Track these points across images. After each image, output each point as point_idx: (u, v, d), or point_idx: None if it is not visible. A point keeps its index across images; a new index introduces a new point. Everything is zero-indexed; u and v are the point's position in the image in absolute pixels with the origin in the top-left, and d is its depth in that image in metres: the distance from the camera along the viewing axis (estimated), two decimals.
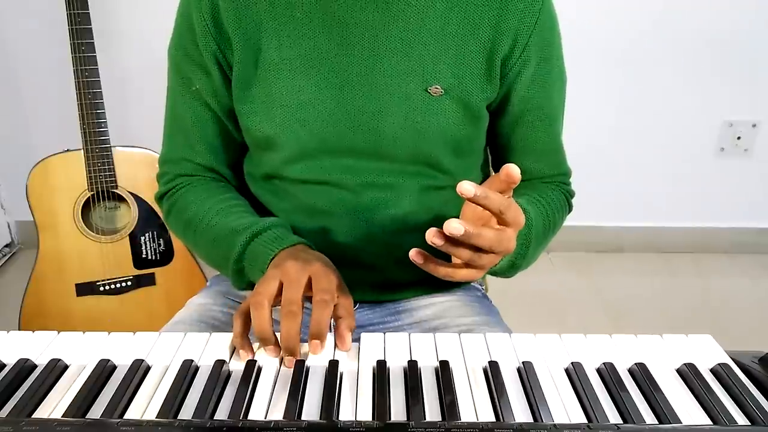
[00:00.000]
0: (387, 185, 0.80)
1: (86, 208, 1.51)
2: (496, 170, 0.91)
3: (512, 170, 0.56)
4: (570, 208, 0.89)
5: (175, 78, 0.83)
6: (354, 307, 0.87)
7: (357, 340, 0.65)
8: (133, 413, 0.55)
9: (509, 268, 0.75)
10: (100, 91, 1.45)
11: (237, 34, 0.76)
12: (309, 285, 0.65)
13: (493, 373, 0.59)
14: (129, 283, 1.55)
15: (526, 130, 0.83)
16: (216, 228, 0.78)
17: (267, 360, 0.62)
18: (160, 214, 1.51)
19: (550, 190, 0.85)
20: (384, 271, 0.84)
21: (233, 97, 0.80)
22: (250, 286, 0.76)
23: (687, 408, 0.56)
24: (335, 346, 0.64)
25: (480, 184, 0.89)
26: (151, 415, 0.54)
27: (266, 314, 0.62)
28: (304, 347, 0.63)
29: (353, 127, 0.77)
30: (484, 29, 0.75)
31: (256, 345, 0.64)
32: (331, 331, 0.65)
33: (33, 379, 0.60)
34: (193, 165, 0.85)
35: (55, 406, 0.56)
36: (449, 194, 0.84)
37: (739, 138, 2.06)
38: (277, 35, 0.76)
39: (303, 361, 0.61)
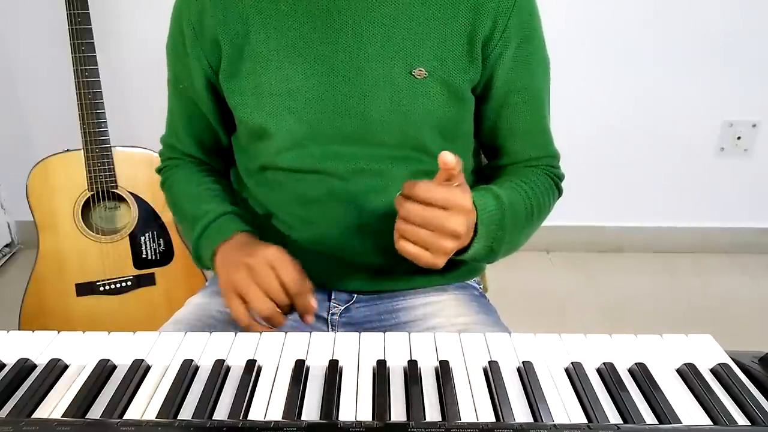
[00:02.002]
0: (376, 172, 0.81)
1: (86, 208, 1.51)
2: (488, 157, 0.92)
3: (444, 157, 0.61)
4: (560, 191, 0.89)
5: (168, 72, 0.89)
6: (351, 299, 0.87)
7: (357, 339, 0.65)
8: (133, 413, 0.55)
9: (487, 254, 0.75)
10: (100, 91, 1.45)
11: (224, 33, 0.80)
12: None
13: (493, 373, 0.59)
14: (129, 283, 1.55)
15: (511, 112, 0.84)
16: (186, 213, 0.87)
17: (267, 360, 0.62)
18: (158, 212, 1.52)
19: (534, 174, 0.85)
20: (379, 259, 0.85)
21: (225, 93, 0.83)
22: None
23: (687, 408, 0.56)
24: (334, 345, 0.64)
25: (472, 170, 0.91)
26: (151, 415, 0.54)
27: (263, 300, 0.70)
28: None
29: (341, 112, 0.79)
30: (463, 11, 0.77)
31: (251, 336, 0.64)
32: (327, 329, 0.66)
33: (33, 379, 0.60)
34: (179, 151, 0.93)
35: (55, 406, 0.56)
36: None
37: (739, 138, 2.05)
38: (264, 28, 0.79)
39: (303, 361, 0.61)
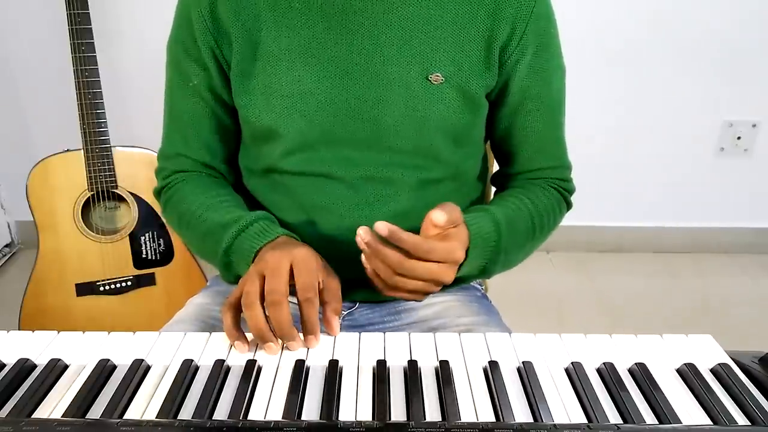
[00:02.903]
0: (386, 179, 0.80)
1: (86, 208, 1.51)
2: (500, 163, 0.91)
3: (435, 217, 0.65)
4: (568, 205, 0.89)
5: (173, 73, 0.84)
6: (354, 306, 0.87)
7: (357, 340, 0.65)
8: (133, 413, 0.55)
9: (480, 273, 0.77)
10: (100, 91, 1.45)
11: (235, 26, 0.77)
12: (292, 273, 0.66)
13: (493, 373, 0.59)
14: (129, 283, 1.55)
15: (525, 119, 0.83)
16: (206, 223, 0.79)
17: (267, 359, 0.62)
18: (158, 212, 1.51)
19: (541, 189, 0.85)
20: None
21: (232, 91, 0.80)
22: (238, 279, 0.77)
23: (687, 408, 0.56)
24: (334, 345, 0.64)
25: (479, 174, 0.90)
26: (151, 415, 0.54)
27: (259, 312, 0.63)
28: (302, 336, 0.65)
29: (353, 116, 0.77)
30: (481, 17, 0.76)
31: (249, 335, 0.65)
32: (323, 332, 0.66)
33: (33, 379, 0.60)
34: (190, 161, 0.86)
35: (55, 406, 0.56)
36: (447, 188, 0.84)
37: (739, 138, 2.05)
38: (276, 26, 0.76)
39: (303, 361, 0.61)
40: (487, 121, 0.85)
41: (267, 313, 0.63)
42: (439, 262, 0.66)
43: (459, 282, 0.79)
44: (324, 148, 0.79)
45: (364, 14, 0.75)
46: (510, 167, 0.88)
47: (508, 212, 0.77)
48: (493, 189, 0.95)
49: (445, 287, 0.88)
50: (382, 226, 0.62)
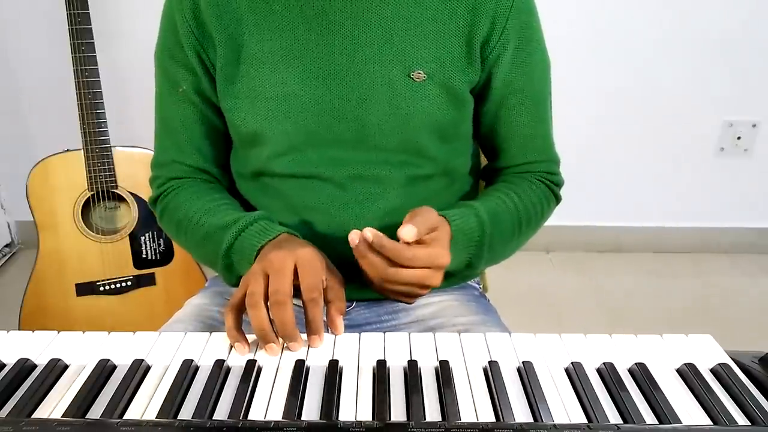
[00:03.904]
0: (374, 178, 0.80)
1: (86, 208, 1.51)
2: (488, 158, 0.91)
3: (402, 235, 0.63)
4: (557, 198, 0.88)
5: (162, 81, 0.84)
6: (351, 305, 0.87)
7: (357, 340, 0.65)
8: (133, 413, 0.55)
9: (465, 267, 0.77)
10: (100, 91, 1.45)
11: (218, 30, 0.77)
12: (296, 273, 0.66)
13: (493, 373, 0.59)
14: (129, 283, 1.55)
15: (509, 113, 0.83)
16: (205, 227, 0.79)
17: (267, 359, 0.62)
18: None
19: (528, 183, 0.84)
20: None
21: (218, 94, 0.80)
22: (240, 280, 0.77)
23: (687, 408, 0.56)
24: (335, 345, 0.64)
25: (469, 171, 0.89)
26: (151, 415, 0.54)
27: (263, 313, 0.63)
28: (303, 337, 0.65)
29: (338, 116, 0.77)
30: (461, 13, 0.76)
31: (251, 337, 0.65)
32: (327, 330, 0.66)
33: (33, 379, 0.60)
34: (184, 167, 0.86)
35: (55, 406, 0.56)
36: (437, 184, 0.84)
37: (739, 138, 2.06)
38: (258, 29, 0.77)
39: (303, 361, 0.61)
40: (474, 120, 0.85)
41: (270, 313, 0.63)
42: (423, 267, 0.66)
43: (447, 276, 0.79)
44: (311, 150, 0.79)
45: (344, 14, 0.75)
46: (497, 162, 0.88)
47: (493, 207, 0.78)
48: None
49: (445, 283, 0.89)
50: (368, 233, 0.64)
